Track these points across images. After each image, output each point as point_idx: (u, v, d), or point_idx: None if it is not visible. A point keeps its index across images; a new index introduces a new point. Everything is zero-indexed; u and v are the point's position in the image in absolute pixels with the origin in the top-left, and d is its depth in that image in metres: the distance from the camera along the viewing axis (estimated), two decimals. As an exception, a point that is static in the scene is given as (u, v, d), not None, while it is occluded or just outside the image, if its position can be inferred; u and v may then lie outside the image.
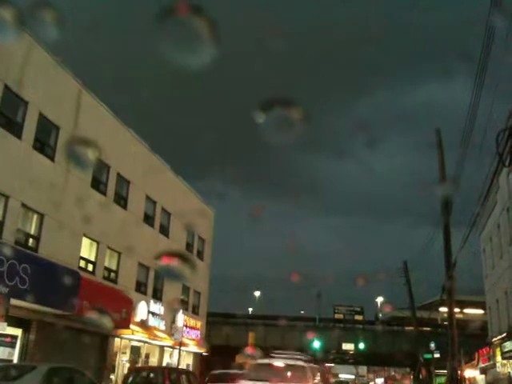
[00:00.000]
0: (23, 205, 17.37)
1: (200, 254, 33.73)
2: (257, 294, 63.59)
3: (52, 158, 18.95)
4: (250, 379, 14.20)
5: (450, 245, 18.77)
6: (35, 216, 18.27)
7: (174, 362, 28.27)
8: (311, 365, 15.83)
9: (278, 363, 15.12)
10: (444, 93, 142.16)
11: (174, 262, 3.12)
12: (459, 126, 16.62)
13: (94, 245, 21.82)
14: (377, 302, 56.85)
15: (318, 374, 16.02)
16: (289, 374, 14.34)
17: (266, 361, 15.16)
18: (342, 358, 54.75)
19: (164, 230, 28.44)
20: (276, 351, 17.38)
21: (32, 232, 18.20)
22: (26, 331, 17.18)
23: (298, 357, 16.31)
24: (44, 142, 18.89)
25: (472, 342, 33.84)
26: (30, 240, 18.04)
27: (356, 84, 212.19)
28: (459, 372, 23.89)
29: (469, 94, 14.48)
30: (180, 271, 3.14)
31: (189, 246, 31.58)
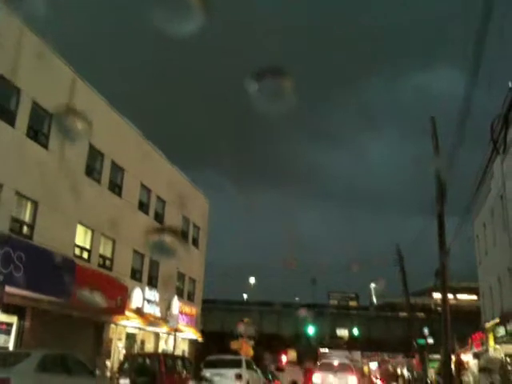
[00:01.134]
0: (17, 192, 17.32)
1: (195, 242, 33.80)
2: (252, 280, 63.77)
3: (46, 146, 18.87)
4: (320, 371, 24.51)
5: (444, 230, 18.89)
6: (29, 204, 18.22)
7: (169, 348, 28.44)
8: (353, 363, 29.41)
9: (335, 362, 25.79)
10: (443, 87, 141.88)
11: (164, 236, 3.14)
12: (455, 118, 16.58)
13: (89, 232, 21.81)
14: (371, 289, 57.13)
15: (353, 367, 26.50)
16: (342, 368, 24.70)
17: (327, 361, 26.83)
18: (337, 344, 55.14)
19: (159, 218, 28.43)
20: (332, 355, 33.09)
21: (26, 220, 18.16)
22: (20, 318, 17.21)
23: (345, 358, 31.94)
24: (37, 130, 18.79)
25: (465, 327, 34.17)
26: (25, 228, 18.02)
27: (355, 73, 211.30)
28: (455, 356, 24.20)
29: (466, 88, 14.44)
30: (170, 246, 3.16)
31: (184, 234, 31.61)
